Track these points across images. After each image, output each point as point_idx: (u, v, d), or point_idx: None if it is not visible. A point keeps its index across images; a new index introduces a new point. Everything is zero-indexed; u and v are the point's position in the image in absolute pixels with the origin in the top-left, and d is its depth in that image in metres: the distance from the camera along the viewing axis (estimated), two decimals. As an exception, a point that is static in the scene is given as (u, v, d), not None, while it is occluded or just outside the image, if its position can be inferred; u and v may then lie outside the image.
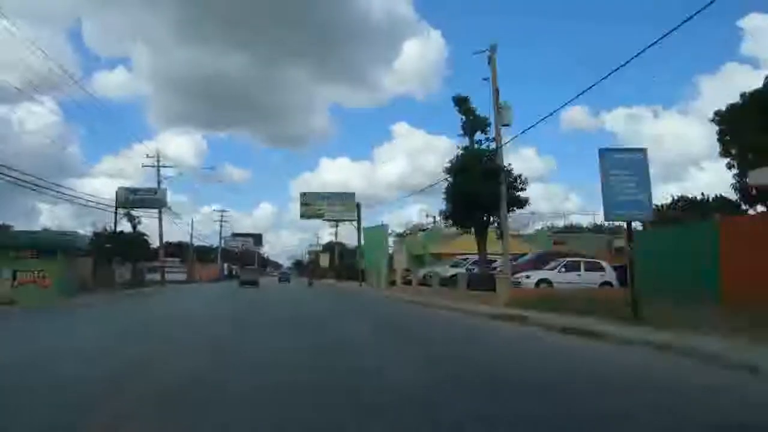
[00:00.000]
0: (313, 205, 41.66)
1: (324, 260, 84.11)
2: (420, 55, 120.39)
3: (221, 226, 78.96)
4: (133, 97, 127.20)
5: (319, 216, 42.96)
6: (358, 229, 41.97)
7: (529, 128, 25.09)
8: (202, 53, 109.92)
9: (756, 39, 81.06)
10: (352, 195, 43.72)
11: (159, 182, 40.91)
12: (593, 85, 21.38)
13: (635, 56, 13.03)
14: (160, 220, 41.10)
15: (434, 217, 44.37)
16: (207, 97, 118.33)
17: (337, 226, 79.41)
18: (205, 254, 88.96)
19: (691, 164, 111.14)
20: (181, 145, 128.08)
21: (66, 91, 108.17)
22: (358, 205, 41.84)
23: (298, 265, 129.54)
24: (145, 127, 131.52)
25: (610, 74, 16.33)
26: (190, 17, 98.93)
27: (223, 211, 79.89)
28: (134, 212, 39.90)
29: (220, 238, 79.36)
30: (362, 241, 42.14)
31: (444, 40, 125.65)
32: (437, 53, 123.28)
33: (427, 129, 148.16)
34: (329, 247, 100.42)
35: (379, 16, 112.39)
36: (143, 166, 41.22)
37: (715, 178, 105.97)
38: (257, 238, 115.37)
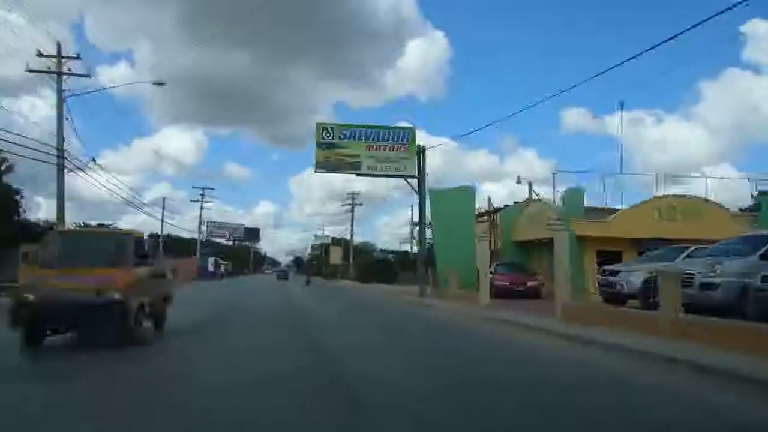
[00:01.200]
0: (340, 148, 22.59)
1: (335, 255, 65.67)
2: (423, 56, 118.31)
3: (202, 208, 59.80)
4: (136, 93, 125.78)
5: (351, 166, 22.89)
6: (419, 190, 23.09)
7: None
8: (205, 51, 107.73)
9: (758, 45, 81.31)
10: (409, 131, 23.52)
11: (60, 93, 22.12)
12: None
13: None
14: (60, 170, 22.22)
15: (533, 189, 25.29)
16: (209, 95, 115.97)
17: (353, 210, 61.25)
18: (185, 245, 70.59)
19: (692, 169, 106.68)
20: (182, 142, 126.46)
21: (68, 85, 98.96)
22: (420, 150, 23.00)
23: (297, 262, 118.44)
24: (147, 123, 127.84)
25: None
26: (193, 14, 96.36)
27: (205, 188, 60.44)
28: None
29: (200, 224, 60.24)
30: (427, 215, 23.42)
31: (447, 41, 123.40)
32: (440, 54, 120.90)
33: (428, 130, 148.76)
34: (336, 241, 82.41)
35: (383, 15, 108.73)
36: (29, 71, 22.46)
37: (716, 184, 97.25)
38: (254, 233, 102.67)
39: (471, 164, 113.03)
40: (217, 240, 71.19)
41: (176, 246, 71.03)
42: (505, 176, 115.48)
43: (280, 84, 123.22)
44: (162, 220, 56.75)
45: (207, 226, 66.50)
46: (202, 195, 59.91)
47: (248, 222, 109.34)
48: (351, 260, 59.45)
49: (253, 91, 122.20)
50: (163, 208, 57.04)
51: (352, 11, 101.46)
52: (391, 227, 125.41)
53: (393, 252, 62.96)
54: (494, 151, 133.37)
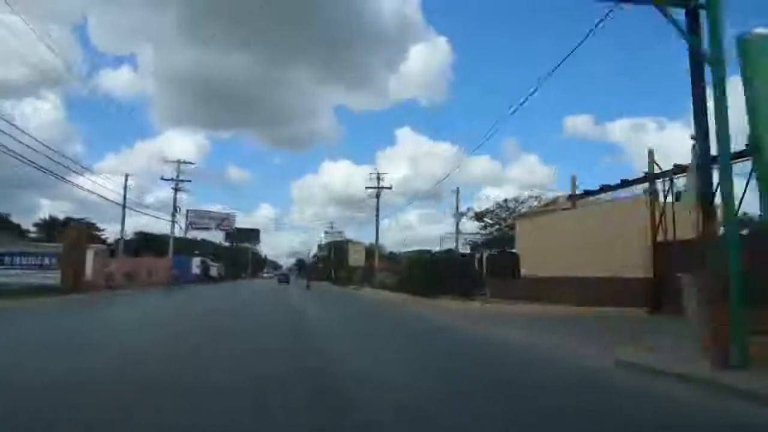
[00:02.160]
0: None
1: (357, 254, 50.33)
2: (426, 61, 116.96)
3: (176, 189, 44.45)
4: (138, 96, 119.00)
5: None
6: (712, 29, 7.33)
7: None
8: (207, 54, 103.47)
9: None
10: None
11: None
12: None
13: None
14: None
15: None
16: (211, 98, 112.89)
17: (378, 195, 45.52)
18: (157, 243, 55.14)
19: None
20: (184, 145, 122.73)
21: (71, 88, 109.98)
22: None
23: (300, 264, 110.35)
24: (149, 126, 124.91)
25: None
26: (196, 17, 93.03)
27: (181, 162, 44.99)
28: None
29: (174, 210, 44.79)
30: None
31: (450, 46, 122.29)
32: (443, 59, 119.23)
33: (430, 135, 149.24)
34: (336, 244, 67.27)
35: (386, 19, 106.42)
36: None
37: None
38: (255, 234, 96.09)
39: (473, 169, 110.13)
40: (202, 233, 55.27)
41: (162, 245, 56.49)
42: (505, 182, 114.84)
43: (282, 87, 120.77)
44: (124, 206, 41.40)
45: (187, 216, 51.30)
46: (178, 171, 44.27)
47: (249, 225, 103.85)
48: (376, 262, 44.13)
49: (254, 94, 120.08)
50: (125, 188, 41.63)
51: (353, 14, 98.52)
52: (393, 231, 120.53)
53: (430, 252, 47.86)
54: (496, 157, 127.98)
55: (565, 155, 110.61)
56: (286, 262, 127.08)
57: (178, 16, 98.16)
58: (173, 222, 44.16)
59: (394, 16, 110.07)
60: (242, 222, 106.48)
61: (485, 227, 50.30)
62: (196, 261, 68.26)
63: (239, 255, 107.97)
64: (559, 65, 12.40)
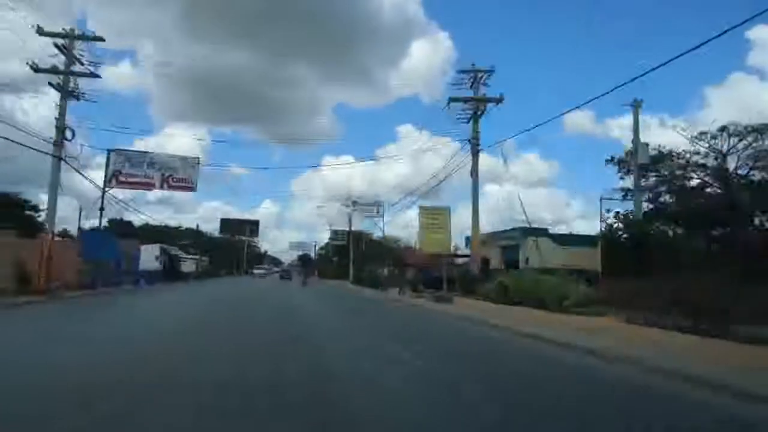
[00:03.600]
0: None
1: (438, 235, 26.35)
2: (427, 57, 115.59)
3: (64, 92, 20.77)
4: (138, 91, 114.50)
5: None
6: None
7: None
8: (208, 49, 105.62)
9: (763, 50, 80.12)
10: None
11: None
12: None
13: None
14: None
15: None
16: (211, 94, 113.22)
17: (476, 116, 22.46)
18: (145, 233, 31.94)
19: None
20: (184, 140, 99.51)
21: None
22: None
23: (304, 258, 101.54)
24: (149, 121, 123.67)
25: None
26: (197, 13, 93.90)
27: (74, 36, 21.24)
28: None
29: (62, 134, 20.94)
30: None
31: (452, 42, 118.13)
32: (445, 55, 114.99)
33: (432, 131, 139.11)
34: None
35: (387, 15, 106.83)
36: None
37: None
38: (254, 226, 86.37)
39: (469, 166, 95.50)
40: (129, 188, 29.67)
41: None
42: (504, 180, 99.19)
43: (283, 83, 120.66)
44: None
45: (108, 161, 27.48)
46: (69, 49, 20.59)
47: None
48: (475, 251, 20.35)
49: (255, 90, 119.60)
50: None
51: (354, 10, 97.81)
52: (394, 227, 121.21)
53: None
54: (495, 153, 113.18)
55: (566, 151, 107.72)
56: (289, 257, 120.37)
57: (180, 12, 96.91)
58: (59, 157, 20.67)
59: (396, 11, 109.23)
60: (242, 217, 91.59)
61: (658, 185, 27.34)
62: (150, 249, 44.64)
63: (234, 248, 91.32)
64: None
